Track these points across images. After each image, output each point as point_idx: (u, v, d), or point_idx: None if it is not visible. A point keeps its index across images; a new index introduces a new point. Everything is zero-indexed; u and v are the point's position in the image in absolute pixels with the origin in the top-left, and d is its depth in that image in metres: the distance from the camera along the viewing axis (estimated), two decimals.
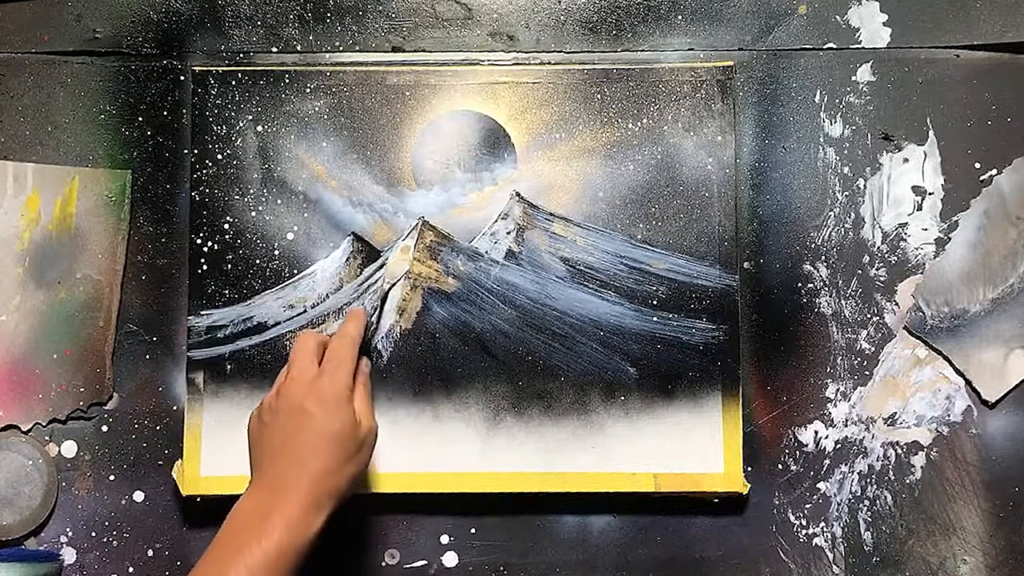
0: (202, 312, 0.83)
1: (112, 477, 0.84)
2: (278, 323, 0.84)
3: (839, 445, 0.85)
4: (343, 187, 0.85)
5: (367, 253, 0.85)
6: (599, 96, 0.85)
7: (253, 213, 0.84)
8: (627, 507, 0.84)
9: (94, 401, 0.84)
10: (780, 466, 0.85)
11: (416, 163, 0.85)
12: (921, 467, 0.84)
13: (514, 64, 0.87)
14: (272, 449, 0.69)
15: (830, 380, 0.85)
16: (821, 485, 0.84)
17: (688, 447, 0.82)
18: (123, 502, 0.84)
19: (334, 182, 0.85)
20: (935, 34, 0.86)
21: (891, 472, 0.84)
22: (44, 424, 0.84)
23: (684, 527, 0.84)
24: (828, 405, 0.85)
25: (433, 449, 0.82)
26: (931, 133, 0.86)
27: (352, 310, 0.79)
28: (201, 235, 0.84)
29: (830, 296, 0.85)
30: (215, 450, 0.82)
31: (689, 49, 0.87)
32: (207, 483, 0.82)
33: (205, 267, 0.84)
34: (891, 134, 0.86)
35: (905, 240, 0.86)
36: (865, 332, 0.85)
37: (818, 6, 0.87)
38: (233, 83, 0.85)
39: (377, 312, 0.81)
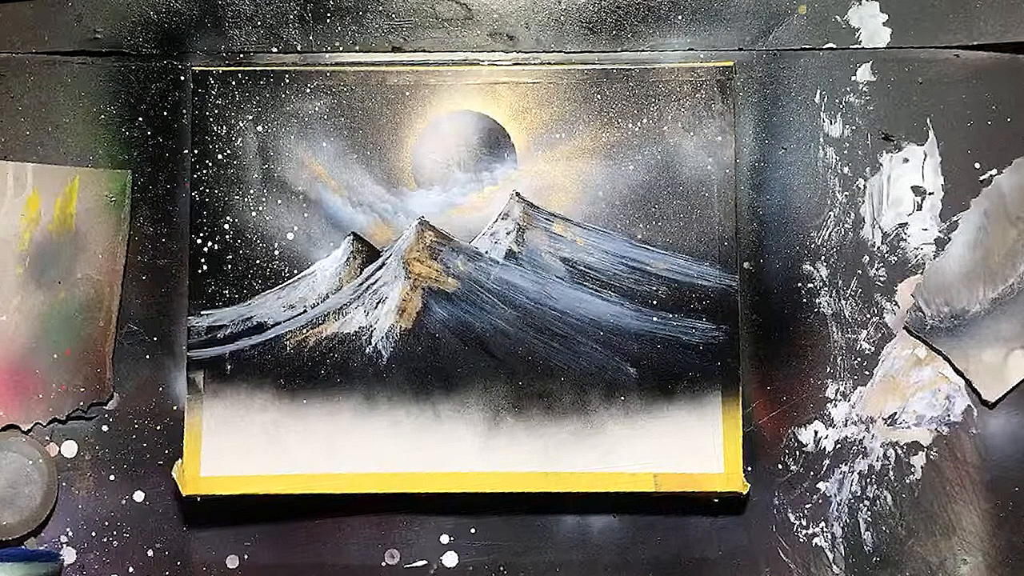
0: (202, 312, 0.83)
1: (112, 477, 0.84)
2: (278, 323, 0.84)
3: (839, 445, 0.85)
4: (343, 187, 0.85)
5: (367, 253, 0.85)
6: (599, 96, 0.85)
7: (253, 213, 0.84)
8: (627, 507, 0.84)
9: (94, 401, 0.84)
10: (780, 466, 0.85)
11: (416, 163, 0.85)
12: (921, 467, 0.84)
13: (514, 64, 0.87)
14: None
15: (830, 380, 0.85)
16: (821, 485, 0.84)
17: (688, 447, 0.82)
18: (123, 502, 0.84)
19: (334, 182, 0.85)
20: (935, 34, 0.86)
21: (891, 472, 0.84)
22: (44, 424, 0.84)
23: (684, 527, 0.84)
24: (828, 405, 0.85)
25: (433, 449, 0.82)
26: (931, 133, 0.86)
27: None
28: (201, 235, 0.84)
29: (830, 296, 0.85)
30: (215, 450, 0.82)
31: (689, 49, 0.87)
32: (207, 483, 0.82)
33: (205, 267, 0.84)
34: (891, 134, 0.86)
35: (905, 240, 0.86)
36: (865, 332, 0.85)
37: (818, 6, 0.87)
38: (233, 83, 0.85)
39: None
